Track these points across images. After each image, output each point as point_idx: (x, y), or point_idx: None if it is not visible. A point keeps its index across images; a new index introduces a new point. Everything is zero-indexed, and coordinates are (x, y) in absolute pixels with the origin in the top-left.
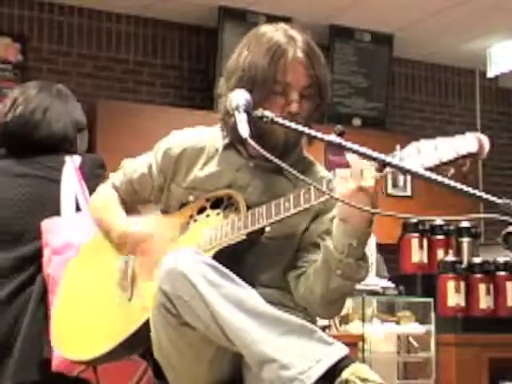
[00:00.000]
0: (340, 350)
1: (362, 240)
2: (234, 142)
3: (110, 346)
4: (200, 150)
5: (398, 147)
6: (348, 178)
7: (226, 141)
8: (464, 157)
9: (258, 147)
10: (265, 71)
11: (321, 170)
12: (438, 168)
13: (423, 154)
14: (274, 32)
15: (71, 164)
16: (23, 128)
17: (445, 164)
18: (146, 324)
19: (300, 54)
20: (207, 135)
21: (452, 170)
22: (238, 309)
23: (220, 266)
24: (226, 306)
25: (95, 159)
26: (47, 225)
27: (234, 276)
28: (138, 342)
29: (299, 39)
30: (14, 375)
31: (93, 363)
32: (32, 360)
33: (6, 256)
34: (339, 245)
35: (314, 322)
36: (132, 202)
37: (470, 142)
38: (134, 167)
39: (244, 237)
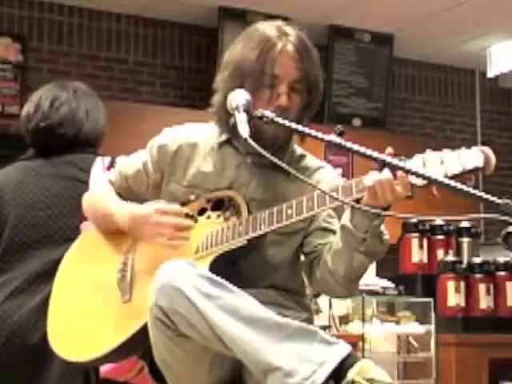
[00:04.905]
0: (343, 349)
1: (383, 218)
2: (232, 139)
3: (109, 348)
4: (195, 145)
5: (403, 158)
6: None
7: (223, 138)
8: (470, 171)
9: (258, 148)
10: (253, 63)
11: (313, 163)
12: None
13: (429, 168)
14: (266, 27)
15: (101, 164)
16: (70, 127)
17: (450, 178)
18: (146, 326)
19: (290, 48)
20: (200, 131)
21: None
22: (236, 318)
23: (214, 277)
24: (223, 317)
25: None
26: (87, 227)
27: (229, 285)
28: (138, 344)
29: (292, 34)
30: (56, 382)
31: (91, 364)
32: (74, 366)
33: (41, 260)
34: (363, 225)
35: (312, 321)
36: (127, 199)
37: (476, 157)
38: (128, 164)
39: (245, 242)
